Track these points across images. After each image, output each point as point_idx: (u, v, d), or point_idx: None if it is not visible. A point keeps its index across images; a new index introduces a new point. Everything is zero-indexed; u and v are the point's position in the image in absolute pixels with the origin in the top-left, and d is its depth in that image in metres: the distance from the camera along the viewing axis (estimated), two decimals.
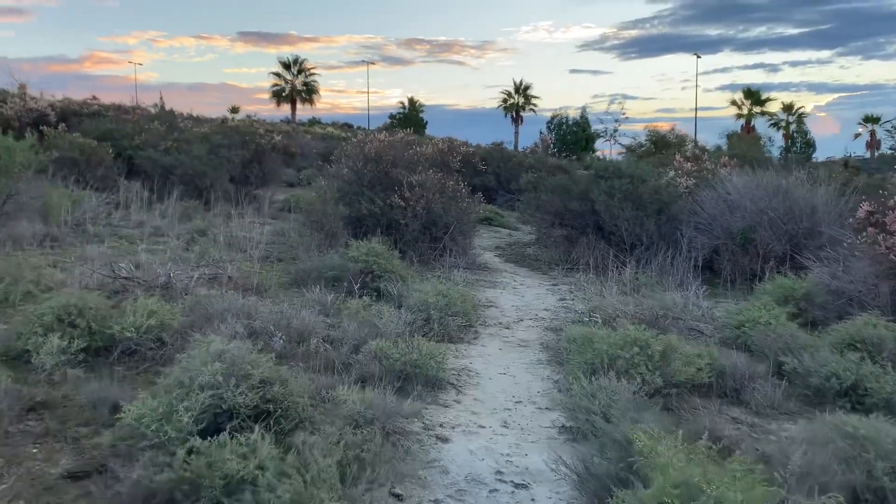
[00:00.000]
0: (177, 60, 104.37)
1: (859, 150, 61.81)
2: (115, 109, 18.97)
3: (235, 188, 15.54)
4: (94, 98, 28.72)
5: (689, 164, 15.24)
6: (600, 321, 6.67)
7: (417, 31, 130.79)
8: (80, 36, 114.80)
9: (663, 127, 38.84)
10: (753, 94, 58.93)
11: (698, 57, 60.10)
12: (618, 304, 7.84)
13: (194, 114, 28.63)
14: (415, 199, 10.25)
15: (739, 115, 59.86)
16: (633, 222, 11.49)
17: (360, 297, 7.44)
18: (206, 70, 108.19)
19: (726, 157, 16.82)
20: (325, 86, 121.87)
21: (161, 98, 40.30)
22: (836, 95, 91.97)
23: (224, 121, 32.91)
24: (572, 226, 12.21)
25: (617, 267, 10.97)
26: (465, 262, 10.54)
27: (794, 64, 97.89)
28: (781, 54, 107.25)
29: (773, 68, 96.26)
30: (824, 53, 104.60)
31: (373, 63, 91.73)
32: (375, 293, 7.58)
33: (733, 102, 60.22)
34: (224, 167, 14.89)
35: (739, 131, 55.43)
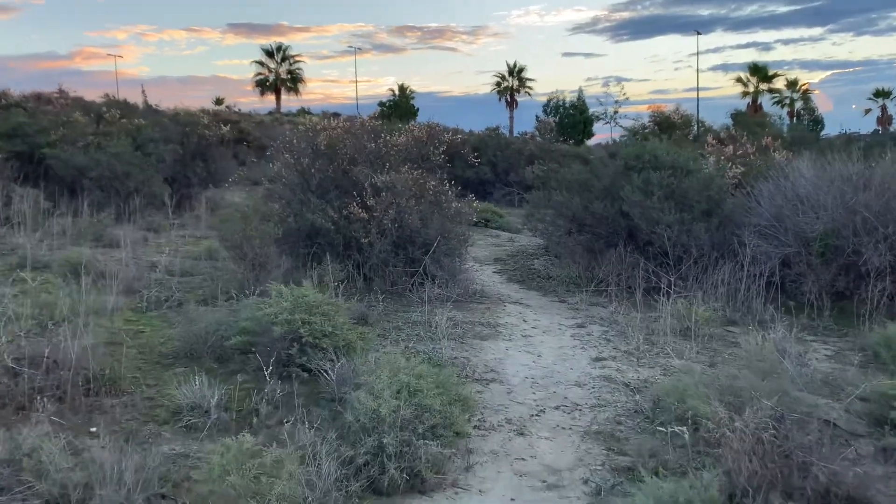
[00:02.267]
0: (167, 54, 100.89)
1: (855, 126, 58.86)
2: (35, 99, 15.97)
3: (173, 191, 12.62)
4: (61, 92, 25.60)
5: (729, 147, 12.34)
6: (686, 434, 3.79)
7: (408, 18, 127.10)
8: (69, 32, 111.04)
9: (662, 108, 35.84)
10: (760, 70, 55.81)
11: (699, 34, 56.91)
12: (692, 374, 4.96)
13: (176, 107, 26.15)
14: (381, 207, 7.35)
15: (745, 93, 56.85)
16: (679, 228, 8.60)
17: (281, 378, 4.56)
18: (197, 63, 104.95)
19: (769, 138, 13.93)
20: (318, 76, 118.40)
21: (143, 91, 37.33)
22: (828, 72, 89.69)
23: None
24: (595, 233, 9.32)
25: (659, 289, 8.11)
26: (456, 292, 7.65)
27: (786, 42, 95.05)
28: (773, 32, 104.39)
29: (766, 47, 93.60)
30: (816, 30, 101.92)
31: (360, 49, 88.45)
32: (308, 374, 4.71)
33: (738, 80, 57.17)
34: (154, 166, 11.94)
35: (745, 110, 52.49)
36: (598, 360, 5.74)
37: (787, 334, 6.62)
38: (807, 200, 8.90)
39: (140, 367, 4.86)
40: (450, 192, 8.09)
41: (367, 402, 3.66)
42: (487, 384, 5.07)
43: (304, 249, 7.82)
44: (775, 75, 55.97)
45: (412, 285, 7.68)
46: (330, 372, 4.44)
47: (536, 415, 4.55)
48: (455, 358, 5.48)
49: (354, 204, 7.35)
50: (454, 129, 20.46)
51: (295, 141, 8.20)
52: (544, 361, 5.67)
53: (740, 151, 11.87)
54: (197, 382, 4.15)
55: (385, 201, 7.33)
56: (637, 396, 4.75)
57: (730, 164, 11.01)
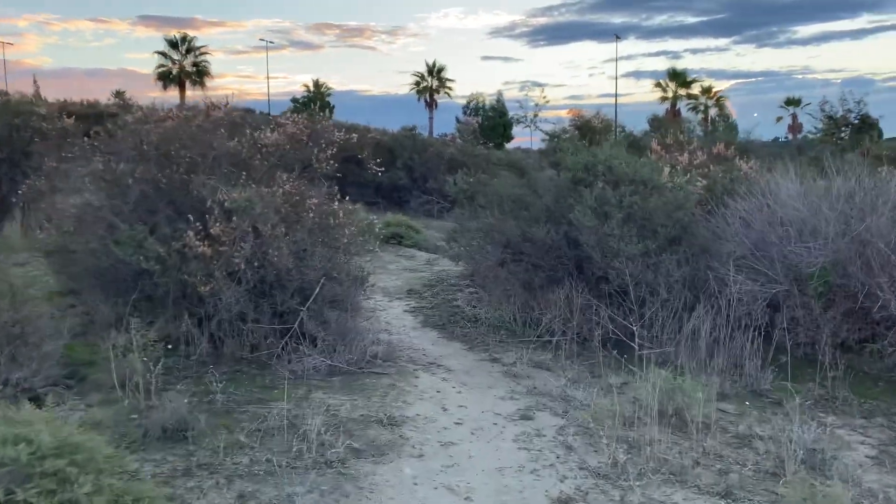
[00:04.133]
0: (73, 45, 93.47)
1: (764, 134, 60.38)
2: None
3: None
4: None
5: (684, 155, 10.52)
6: None
7: (327, 16, 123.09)
8: None
9: (581, 113, 34.87)
10: (679, 76, 56.11)
11: (618, 38, 56.57)
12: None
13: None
14: (232, 239, 4.94)
15: (664, 98, 57.14)
16: (643, 262, 6.59)
17: None
18: (104, 55, 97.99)
19: (722, 145, 12.28)
20: (233, 71, 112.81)
21: (35, 82, 33.05)
22: (733, 82, 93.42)
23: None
24: (535, 264, 7.20)
25: (619, 341, 6.14)
26: (346, 359, 5.32)
27: (694, 51, 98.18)
28: (682, 42, 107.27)
29: (675, 55, 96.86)
30: (722, 41, 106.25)
31: (272, 43, 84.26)
32: None
33: (658, 85, 57.48)
34: None
35: (664, 115, 52.50)
36: (560, 501, 3.54)
37: (805, 420, 4.74)
38: (796, 225, 7.09)
39: None
40: (341, 214, 5.74)
41: None
42: None
43: (123, 298, 5.32)
44: (693, 81, 56.40)
45: (283, 349, 5.31)
46: None
47: None
48: None
49: (191, 233, 4.91)
50: (364, 128, 18.12)
51: (114, 138, 5.66)
52: None
53: (697, 160, 10.08)
54: None
55: (238, 229, 4.92)
56: None
57: (688, 175, 9.16)
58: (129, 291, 5.31)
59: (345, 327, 5.45)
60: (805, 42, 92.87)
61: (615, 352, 6.18)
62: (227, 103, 5.89)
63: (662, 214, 6.78)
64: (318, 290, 5.35)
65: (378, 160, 6.24)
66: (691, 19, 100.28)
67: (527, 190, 7.33)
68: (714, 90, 58.99)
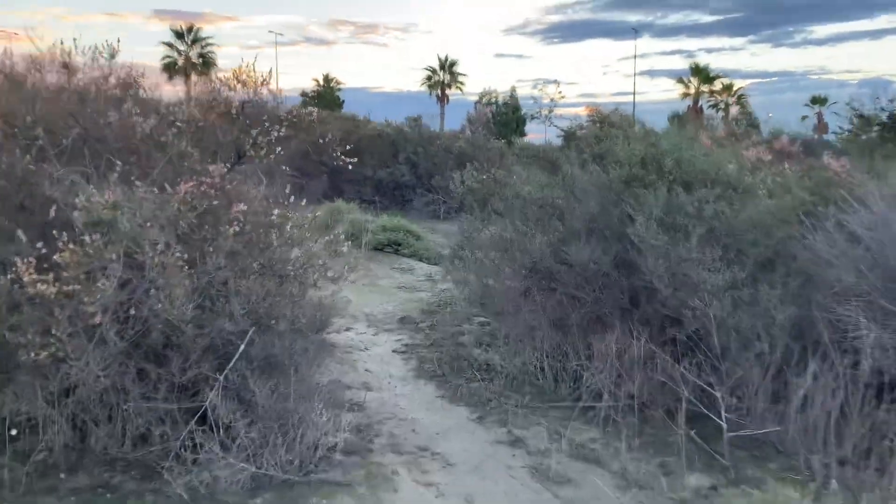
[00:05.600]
0: (86, 40, 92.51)
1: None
2: None
3: None
4: None
5: (750, 150, 8.47)
6: None
7: (340, 12, 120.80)
8: None
9: (594, 110, 33.03)
10: (702, 72, 53.76)
11: (636, 32, 54.36)
12: None
13: None
14: (85, 273, 2.97)
15: (685, 94, 54.90)
16: (732, 299, 4.57)
17: None
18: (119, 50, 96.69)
19: (784, 139, 10.22)
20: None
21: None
22: (748, 82, 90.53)
23: None
24: (572, 296, 5.18)
25: (696, 412, 4.21)
26: (282, 459, 3.36)
27: (709, 50, 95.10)
28: (697, 41, 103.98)
29: (690, 54, 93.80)
30: (737, 41, 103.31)
31: (281, 35, 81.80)
32: None
33: (680, 80, 55.22)
34: None
35: (685, 113, 50.31)
36: None
37: None
38: None
39: None
40: (289, 225, 3.77)
41: None
42: None
43: None
44: (716, 77, 54.05)
45: (182, 445, 3.35)
46: None
47: None
48: None
49: (21, 260, 2.95)
50: (364, 119, 16.14)
51: None
52: None
53: (769, 157, 8.02)
54: None
55: (96, 256, 2.95)
56: None
57: (761, 175, 7.11)
58: None
59: (283, 408, 3.46)
60: (821, 42, 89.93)
61: (693, 430, 4.25)
62: (113, 55, 3.89)
63: (759, 231, 4.76)
64: (241, 348, 3.38)
65: (348, 147, 4.24)
66: (707, 18, 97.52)
67: (560, 191, 5.31)
68: (736, 87, 56.82)
